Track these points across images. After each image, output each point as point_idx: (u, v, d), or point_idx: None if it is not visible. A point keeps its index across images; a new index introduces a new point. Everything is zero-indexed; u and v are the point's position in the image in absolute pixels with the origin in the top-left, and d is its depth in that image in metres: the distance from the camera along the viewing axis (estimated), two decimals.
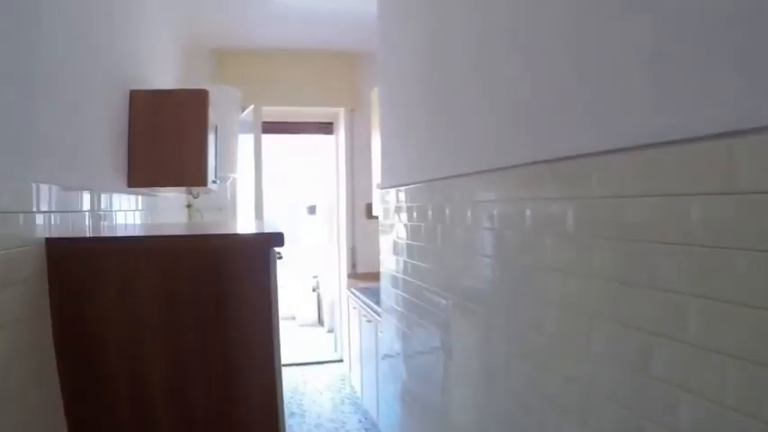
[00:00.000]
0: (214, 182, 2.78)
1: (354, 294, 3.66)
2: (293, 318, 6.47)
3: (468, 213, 1.66)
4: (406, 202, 2.33)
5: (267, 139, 4.40)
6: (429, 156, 2.04)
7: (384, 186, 2.71)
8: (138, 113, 2.12)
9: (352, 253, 4.38)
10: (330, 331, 5.86)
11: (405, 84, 2.36)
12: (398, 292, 2.45)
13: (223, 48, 4.14)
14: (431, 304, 2.01)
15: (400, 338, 2.48)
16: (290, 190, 6.93)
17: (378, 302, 3.09)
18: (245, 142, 4.06)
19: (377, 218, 3.32)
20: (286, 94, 4.21)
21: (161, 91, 2.36)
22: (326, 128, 4.67)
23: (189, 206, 3.86)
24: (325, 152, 4.97)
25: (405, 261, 2.34)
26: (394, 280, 2.52)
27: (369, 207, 4.41)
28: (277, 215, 6.48)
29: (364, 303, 3.39)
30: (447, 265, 1.87)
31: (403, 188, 2.37)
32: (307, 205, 6.80)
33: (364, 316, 3.41)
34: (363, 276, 4.34)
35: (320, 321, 6.35)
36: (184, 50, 3.65)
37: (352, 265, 4.40)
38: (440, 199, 1.92)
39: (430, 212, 2.02)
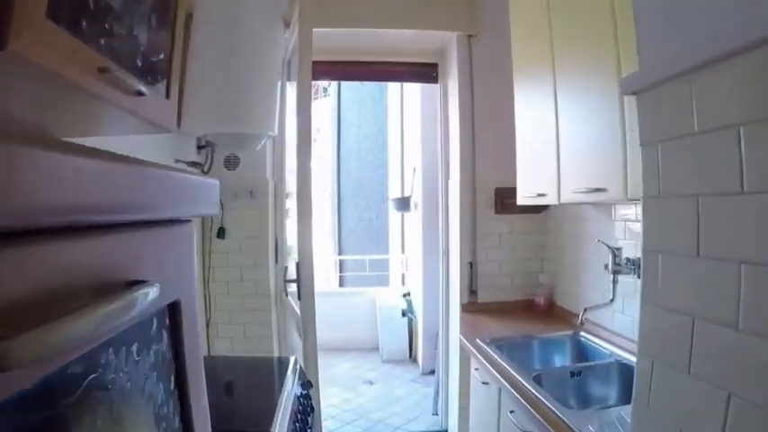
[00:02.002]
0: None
1: (484, 352, 1.91)
2: (376, 349, 4.85)
3: None
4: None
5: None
6: None
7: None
8: None
9: (470, 270, 2.65)
10: (428, 373, 4.16)
11: None
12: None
13: None
14: None
15: None
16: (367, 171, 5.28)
17: (538, 381, 1.37)
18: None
19: (515, 212, 2.54)
20: (359, 7, 2.58)
21: None
22: (426, 71, 2.99)
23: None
24: (425, 110, 3.26)
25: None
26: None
27: (499, 196, 2.63)
28: (346, 216, 4.92)
29: (517, 389, 1.63)
30: None
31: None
32: (394, 197, 5.15)
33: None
34: (488, 309, 2.59)
35: (412, 356, 4.67)
36: None
37: (470, 289, 2.67)
38: None
39: None
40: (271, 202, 2.65)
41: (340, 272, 6.71)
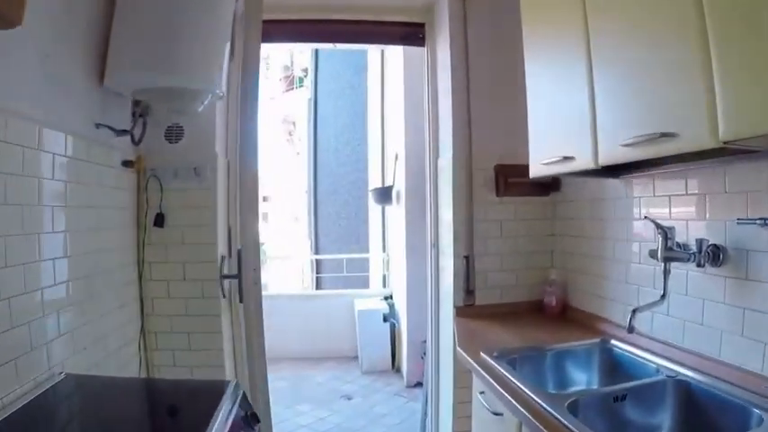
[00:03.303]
0: None
1: (491, 370, 1.43)
2: (355, 359, 4.36)
3: None
4: None
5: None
6: None
7: None
8: None
9: (466, 266, 2.19)
10: (413, 386, 3.70)
11: None
12: None
13: None
14: None
15: None
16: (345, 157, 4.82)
17: (574, 410, 0.94)
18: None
19: (520, 194, 2.17)
20: None
21: None
22: (411, 32, 2.53)
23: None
24: (409, 86, 2.81)
25: None
26: None
27: (501, 175, 2.19)
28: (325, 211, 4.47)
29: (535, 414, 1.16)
30: None
31: None
32: (373, 187, 4.67)
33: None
34: (488, 313, 2.14)
35: (395, 366, 4.20)
36: None
37: (466, 289, 2.21)
38: None
39: None
40: (222, 182, 2.15)
41: (317, 272, 6.21)
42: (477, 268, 2.22)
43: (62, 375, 1.39)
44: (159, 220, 2.03)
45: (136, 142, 1.88)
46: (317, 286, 6.02)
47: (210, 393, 1.30)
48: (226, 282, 2.09)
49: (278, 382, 3.90)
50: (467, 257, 2.20)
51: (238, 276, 1.94)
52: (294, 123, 10.93)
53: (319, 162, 7.15)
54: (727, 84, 0.86)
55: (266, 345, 4.40)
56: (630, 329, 1.25)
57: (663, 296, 1.31)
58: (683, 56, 0.95)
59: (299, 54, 8.64)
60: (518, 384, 1.24)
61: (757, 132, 0.80)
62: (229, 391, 1.30)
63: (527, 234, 2.26)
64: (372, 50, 5.07)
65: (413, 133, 3.41)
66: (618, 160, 1.21)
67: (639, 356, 1.44)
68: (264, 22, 2.38)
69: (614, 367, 1.53)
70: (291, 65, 9.54)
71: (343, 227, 6.67)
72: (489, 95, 2.22)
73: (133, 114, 1.87)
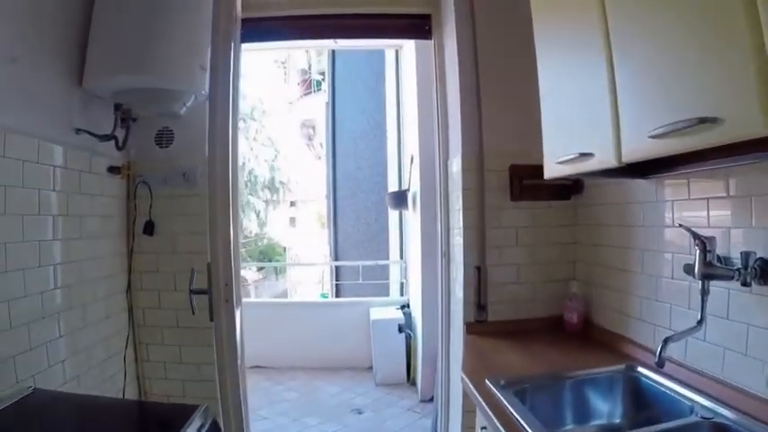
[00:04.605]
0: None
1: (495, 403, 1.24)
2: (370, 368, 4.19)
3: None
4: None
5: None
6: None
7: None
8: None
9: (478, 278, 2.00)
10: (428, 400, 3.51)
11: None
12: None
13: None
14: None
15: None
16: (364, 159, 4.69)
17: None
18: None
19: (538, 197, 1.95)
20: None
21: None
22: (416, 24, 2.35)
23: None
24: (421, 83, 2.63)
25: None
26: None
27: (516, 176, 1.99)
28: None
29: None
30: None
31: None
32: (389, 192, 4.50)
33: None
34: (501, 331, 1.94)
35: (410, 379, 4.01)
36: None
37: (477, 303, 2.01)
38: None
39: None
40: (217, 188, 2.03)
41: (336, 279, 6.07)
42: (490, 280, 2.02)
43: (30, 390, 1.30)
44: (149, 228, 1.92)
45: (119, 147, 1.77)
46: (337, 293, 5.88)
47: (176, 419, 1.17)
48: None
49: (288, 393, 3.77)
50: (478, 268, 2.00)
51: (208, 292, 1.78)
52: (313, 128, 10.84)
53: (338, 166, 7.02)
54: None
55: (278, 353, 4.27)
56: (661, 363, 1.04)
57: (700, 322, 1.10)
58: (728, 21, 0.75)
59: (317, 57, 8.56)
60: (524, 425, 1.04)
61: None
62: (196, 417, 1.17)
63: (546, 242, 2.05)
64: (389, 51, 4.93)
65: (426, 132, 3.24)
66: (645, 156, 1.00)
67: (670, 390, 1.22)
68: (262, 19, 2.27)
69: (641, 400, 1.31)
70: (309, 68, 9.47)
71: (363, 232, 6.53)
72: (502, 89, 2.03)
73: (116, 118, 1.77)
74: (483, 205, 1.99)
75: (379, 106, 5.91)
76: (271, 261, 17.65)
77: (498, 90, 2.03)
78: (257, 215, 16.42)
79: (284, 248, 17.63)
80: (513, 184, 2.00)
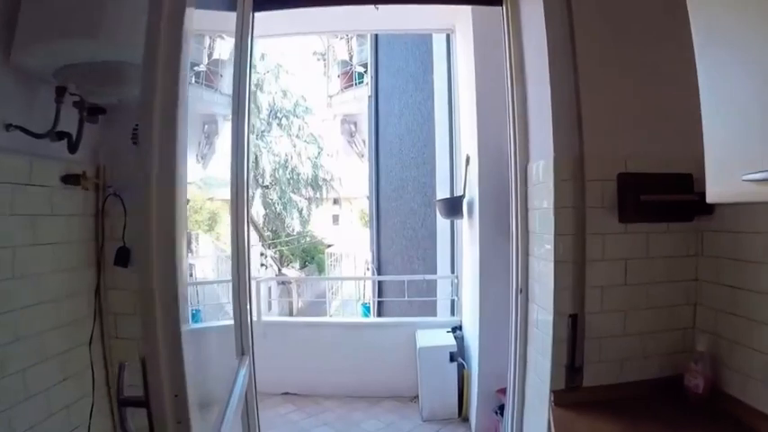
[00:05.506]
0: None
1: None
2: (415, 398, 3.67)
3: None
4: None
5: None
6: None
7: None
8: None
9: (572, 330, 1.43)
10: None
11: None
12: None
13: None
14: None
15: None
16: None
17: None
18: None
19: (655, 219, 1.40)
20: None
21: None
22: None
23: None
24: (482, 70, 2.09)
25: None
26: None
27: (626, 188, 1.41)
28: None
29: None
30: None
31: None
32: (439, 198, 3.94)
33: None
34: (601, 401, 1.37)
35: (461, 414, 3.45)
36: None
37: (570, 365, 1.45)
38: None
39: None
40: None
41: (379, 295, 5.56)
42: (589, 333, 1.45)
43: None
44: (122, 257, 1.45)
45: (72, 149, 1.31)
46: (379, 309, 5.37)
47: None
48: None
49: (320, 429, 3.31)
50: (573, 317, 1.43)
51: (145, 404, 0.82)
52: (355, 123, 10.34)
53: (381, 165, 6.52)
54: None
55: (312, 379, 3.74)
56: None
57: None
58: None
59: (359, 47, 8.06)
60: None
61: None
62: None
63: (661, 278, 1.48)
64: (437, 37, 4.38)
65: (488, 127, 2.68)
66: None
67: None
68: None
69: None
70: (350, 59, 8.99)
71: (408, 237, 5.98)
72: (608, 67, 1.45)
73: (57, 108, 1.28)
74: (584, 230, 1.42)
75: (427, 99, 5.35)
76: (314, 259, 17.45)
77: (602, 69, 1.46)
78: (300, 213, 16.22)
79: (327, 246, 17.36)
80: (625, 198, 1.42)
